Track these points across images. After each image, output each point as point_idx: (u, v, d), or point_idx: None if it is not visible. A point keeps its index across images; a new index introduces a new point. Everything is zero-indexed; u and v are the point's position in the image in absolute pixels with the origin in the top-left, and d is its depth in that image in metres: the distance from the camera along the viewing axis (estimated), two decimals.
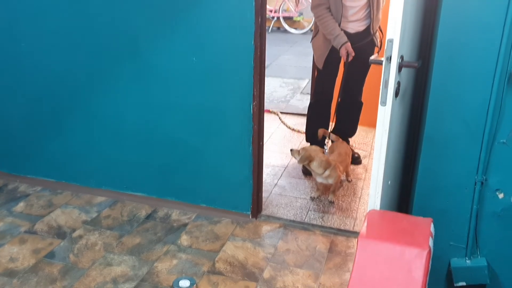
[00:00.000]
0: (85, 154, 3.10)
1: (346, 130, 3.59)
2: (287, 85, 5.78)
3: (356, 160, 3.61)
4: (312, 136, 3.57)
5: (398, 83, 1.88)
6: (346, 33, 3.12)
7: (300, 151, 3.04)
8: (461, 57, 2.01)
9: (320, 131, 3.40)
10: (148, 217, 2.94)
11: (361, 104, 3.53)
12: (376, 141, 1.87)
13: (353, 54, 3.11)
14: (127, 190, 3.10)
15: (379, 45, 3.28)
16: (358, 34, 3.16)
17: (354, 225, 2.86)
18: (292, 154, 3.10)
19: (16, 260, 2.53)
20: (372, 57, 2.09)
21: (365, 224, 1.88)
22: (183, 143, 2.88)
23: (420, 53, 2.35)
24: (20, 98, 3.12)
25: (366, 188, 3.29)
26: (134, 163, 3.02)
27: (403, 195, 2.60)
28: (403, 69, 1.91)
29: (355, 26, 3.15)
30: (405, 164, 2.57)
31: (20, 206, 3.04)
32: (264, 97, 2.79)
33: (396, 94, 1.88)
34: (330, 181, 3.06)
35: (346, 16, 3.10)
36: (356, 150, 3.74)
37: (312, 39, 3.34)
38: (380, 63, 1.86)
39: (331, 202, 3.09)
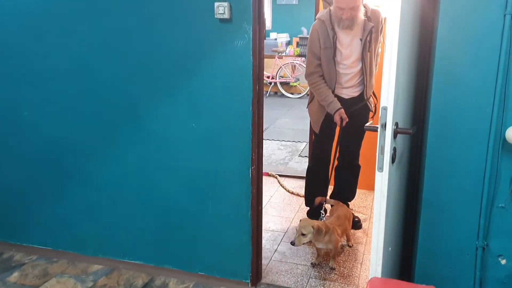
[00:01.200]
0: (82, 221, 3.08)
1: (344, 193, 3.59)
2: (285, 148, 5.83)
3: (356, 224, 3.57)
4: (311, 199, 3.55)
5: (394, 149, 1.91)
6: (340, 98, 3.19)
7: (301, 231, 2.91)
8: (455, 123, 2.05)
9: (317, 200, 3.38)
10: (145, 286, 2.87)
11: (358, 167, 3.54)
12: (375, 208, 1.87)
13: (347, 120, 3.17)
14: (124, 258, 3.04)
15: (373, 110, 3.34)
16: (352, 99, 3.24)
17: None
18: (298, 244, 2.93)
19: None
20: (367, 124, 2.13)
21: None
22: (180, 209, 2.87)
23: (415, 119, 2.40)
24: (17, 166, 3.13)
25: (367, 253, 3.23)
26: (131, 230, 2.99)
27: (404, 261, 2.55)
28: (399, 135, 1.95)
29: (349, 92, 3.23)
30: (405, 229, 2.55)
31: (15, 276, 2.97)
32: (262, 161, 2.80)
33: (393, 160, 1.90)
34: (330, 246, 3.01)
35: (340, 82, 3.19)
36: (356, 214, 3.71)
37: (308, 105, 3.42)
38: (375, 130, 1.89)
39: (332, 269, 3.03)
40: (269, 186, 4.36)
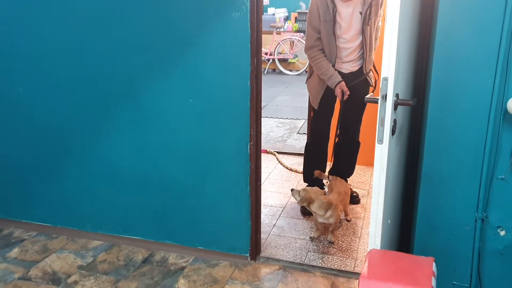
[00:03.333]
0: (81, 197, 3.07)
1: (343, 170, 3.58)
2: (284, 125, 5.82)
3: (354, 199, 3.58)
4: (310, 176, 3.55)
5: (394, 121, 1.89)
6: (340, 73, 3.16)
7: (301, 192, 3.00)
8: (455, 95, 2.03)
9: (316, 173, 3.39)
10: (145, 261, 2.88)
11: (358, 143, 3.53)
12: (374, 180, 1.87)
13: (348, 93, 3.14)
14: (124, 234, 3.05)
15: (373, 85, 3.31)
16: (352, 74, 3.21)
17: (354, 266, 2.81)
18: (292, 195, 3.07)
19: None
20: (367, 96, 2.11)
21: (366, 264, 1.84)
22: (179, 185, 2.86)
23: (415, 91, 2.38)
24: (15, 142, 3.11)
25: (365, 227, 3.25)
26: (130, 206, 2.99)
27: (403, 234, 2.56)
28: (399, 107, 1.93)
29: (349, 66, 3.20)
30: (404, 202, 2.55)
31: (15, 251, 2.98)
32: (261, 137, 2.79)
33: (393, 132, 1.89)
34: (331, 220, 3.02)
35: (340, 57, 3.15)
36: (354, 189, 3.72)
37: (307, 80, 3.39)
38: (375, 101, 1.88)
39: (331, 243, 3.05)
40: (267, 163, 4.36)
